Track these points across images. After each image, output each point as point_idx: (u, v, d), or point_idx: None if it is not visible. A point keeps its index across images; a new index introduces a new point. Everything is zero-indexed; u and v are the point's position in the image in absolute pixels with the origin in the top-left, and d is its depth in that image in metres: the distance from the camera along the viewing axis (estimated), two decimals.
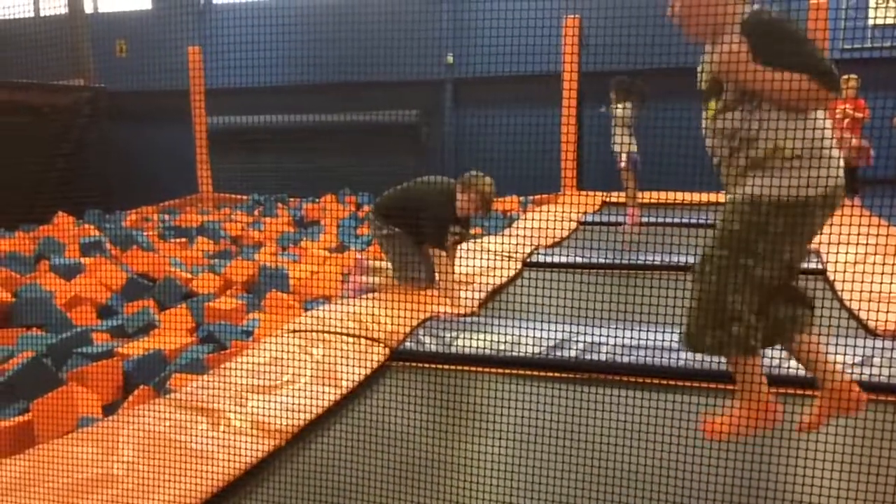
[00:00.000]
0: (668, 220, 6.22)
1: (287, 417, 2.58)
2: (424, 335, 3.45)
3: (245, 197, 11.03)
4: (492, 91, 10.53)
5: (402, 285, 4.40)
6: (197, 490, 2.08)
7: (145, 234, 8.32)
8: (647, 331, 3.08)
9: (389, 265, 4.71)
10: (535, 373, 3.27)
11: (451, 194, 4.52)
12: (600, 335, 3.33)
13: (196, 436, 2.40)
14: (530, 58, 8.29)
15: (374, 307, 3.76)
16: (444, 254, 4.47)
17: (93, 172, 11.74)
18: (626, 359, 3.10)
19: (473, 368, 3.29)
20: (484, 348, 3.34)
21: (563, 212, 6.96)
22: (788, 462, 2.35)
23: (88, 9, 13.00)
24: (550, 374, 3.23)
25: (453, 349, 3.33)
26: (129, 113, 12.32)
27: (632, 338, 3.14)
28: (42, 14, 13.75)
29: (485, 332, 3.53)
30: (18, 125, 11.24)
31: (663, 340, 3.03)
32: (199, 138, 11.05)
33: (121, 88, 12.34)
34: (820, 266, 4.68)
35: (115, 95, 12.53)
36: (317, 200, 10.33)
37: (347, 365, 3.12)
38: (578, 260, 5.08)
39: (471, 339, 3.44)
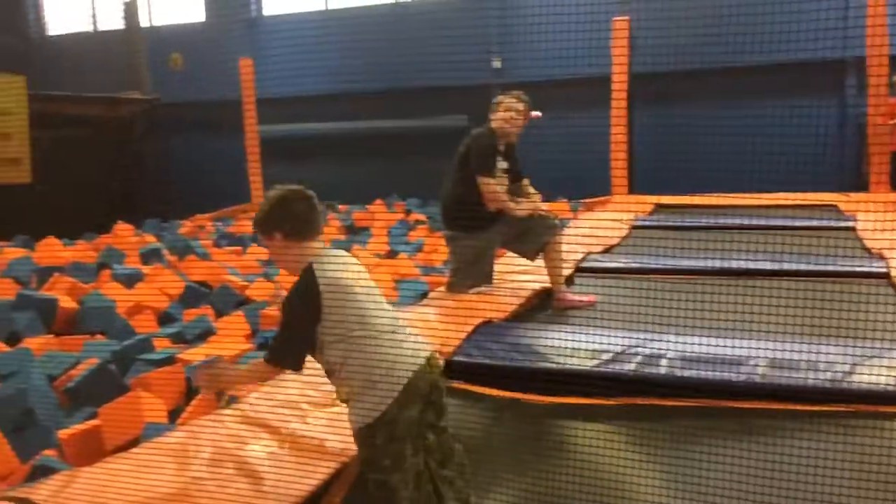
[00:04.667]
0: (720, 222, 6.16)
1: (343, 437, 2.53)
2: (478, 344, 3.43)
3: None
4: (540, 95, 10.49)
5: (457, 291, 4.36)
6: None
7: (201, 242, 8.50)
8: (710, 341, 3.03)
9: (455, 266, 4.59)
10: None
11: (483, 130, 4.31)
12: (660, 346, 3.26)
13: (262, 454, 2.42)
14: (578, 60, 8.28)
15: (428, 313, 3.78)
16: (492, 181, 4.17)
17: (150, 182, 12.06)
18: (687, 373, 3.02)
19: (526, 383, 3.25)
20: (538, 360, 3.30)
21: (614, 216, 6.89)
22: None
23: (144, 23, 13.34)
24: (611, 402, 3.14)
25: (508, 361, 3.30)
26: (183, 123, 12.61)
27: (693, 349, 3.07)
28: (100, 29, 14.20)
29: (538, 341, 3.50)
30: (79, 137, 11.60)
31: (724, 350, 2.98)
32: (251, 147, 11.26)
33: (175, 100, 12.64)
34: (884, 269, 4.54)
35: (170, 107, 12.85)
36: (366, 207, 10.43)
37: None
38: (633, 265, 5.02)
39: (526, 349, 3.41)
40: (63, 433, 3.58)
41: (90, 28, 14.32)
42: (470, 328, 3.47)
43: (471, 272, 4.34)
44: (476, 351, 3.36)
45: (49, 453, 3.48)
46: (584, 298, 4.26)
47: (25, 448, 3.51)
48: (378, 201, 10.63)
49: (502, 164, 4.28)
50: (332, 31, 10.83)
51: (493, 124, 4.29)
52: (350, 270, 2.30)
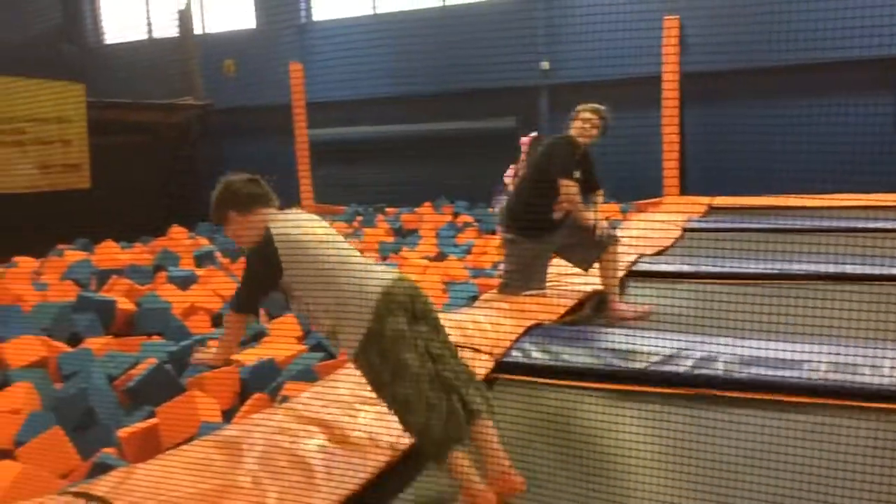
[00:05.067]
0: (778, 224, 6.01)
1: (395, 433, 2.57)
2: (530, 345, 3.42)
3: (344, 207, 11.30)
4: (588, 96, 10.41)
5: (509, 293, 4.35)
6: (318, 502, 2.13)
7: None
8: (764, 344, 2.96)
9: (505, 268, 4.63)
10: (644, 388, 3.18)
11: (564, 136, 4.38)
12: (711, 348, 3.22)
13: (311, 450, 2.45)
14: (628, 60, 8.16)
15: (478, 316, 3.77)
16: (572, 184, 4.20)
17: (203, 186, 12.28)
18: (741, 374, 2.98)
19: (580, 383, 3.24)
20: (591, 361, 3.28)
21: (666, 218, 6.79)
22: None
23: (197, 30, 13.62)
24: (659, 389, 3.15)
25: (559, 361, 3.29)
26: (235, 128, 12.83)
27: (749, 352, 3.02)
28: (155, 37, 14.54)
29: (592, 343, 3.47)
30: (136, 143, 11.90)
31: (777, 353, 2.92)
32: (300, 151, 11.40)
33: (227, 105, 12.88)
34: None
35: (222, 112, 13.09)
36: (414, 210, 10.47)
37: None
38: (685, 269, 4.93)
39: (577, 350, 3.39)
40: (122, 432, 3.65)
41: (145, 36, 14.67)
42: (521, 330, 3.46)
43: (525, 276, 4.37)
44: (526, 351, 3.36)
45: (109, 451, 3.56)
46: (638, 309, 4.22)
47: (86, 446, 3.59)
48: (426, 204, 10.67)
49: (576, 174, 4.29)
50: (381, 35, 10.91)
51: (571, 132, 4.32)
52: (305, 225, 2.53)
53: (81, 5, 14.78)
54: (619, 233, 4.53)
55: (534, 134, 7.89)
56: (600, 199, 4.50)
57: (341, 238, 2.63)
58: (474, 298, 5.26)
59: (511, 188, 7.85)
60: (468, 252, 7.86)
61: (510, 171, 7.91)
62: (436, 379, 2.30)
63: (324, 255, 2.42)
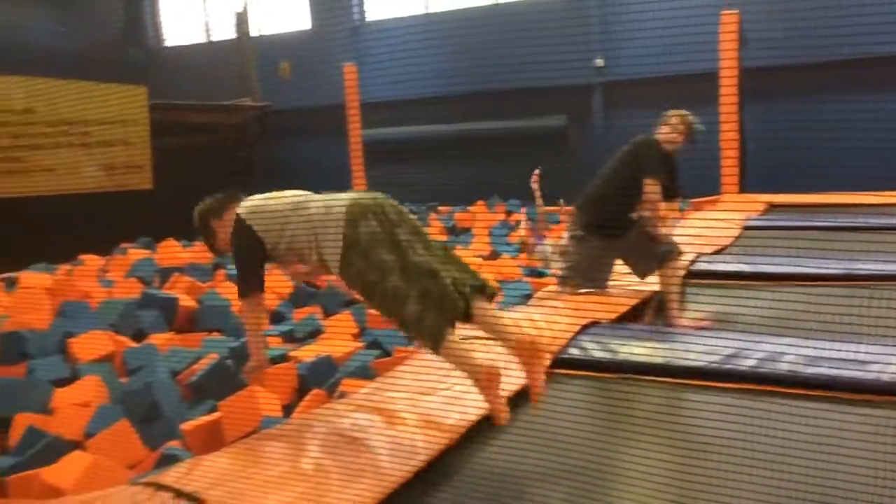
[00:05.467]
0: (840, 222, 5.85)
1: (454, 422, 2.63)
2: (587, 341, 3.41)
3: None
4: (644, 92, 10.28)
5: (567, 288, 4.33)
6: (378, 487, 2.17)
7: None
8: (824, 345, 2.90)
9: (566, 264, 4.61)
10: (704, 383, 3.15)
11: (654, 139, 4.32)
12: (774, 347, 3.17)
13: (372, 435, 2.50)
14: (685, 56, 8.03)
15: (534, 313, 3.77)
16: (658, 188, 4.14)
17: (260, 186, 12.51)
18: (808, 370, 2.92)
19: (638, 377, 3.22)
20: (649, 357, 3.26)
21: (725, 216, 6.66)
22: None
23: (254, 32, 13.87)
24: (717, 384, 3.11)
25: (617, 356, 3.28)
26: (290, 129, 13.04)
27: (811, 350, 2.97)
28: (213, 39, 14.88)
29: (649, 340, 3.45)
30: (196, 144, 12.20)
31: (837, 353, 2.85)
32: (354, 151, 11.52)
33: (283, 106, 13.09)
34: None
35: (278, 113, 13.31)
36: (467, 208, 10.49)
37: (509, 372, 3.14)
38: (745, 269, 4.83)
39: (635, 347, 3.37)
40: (186, 425, 3.76)
41: (204, 38, 15.02)
42: (578, 327, 3.46)
43: (587, 274, 4.34)
44: (584, 348, 3.36)
45: (173, 444, 3.67)
46: (699, 324, 4.15)
47: (152, 438, 3.70)
48: (479, 202, 10.67)
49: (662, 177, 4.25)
50: (434, 35, 10.96)
51: (660, 137, 4.29)
52: (270, 195, 2.80)
53: (143, 10, 15.20)
54: (677, 230, 4.47)
55: (537, 171, 7.93)
56: (676, 207, 4.46)
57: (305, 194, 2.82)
58: (528, 297, 5.25)
59: (537, 192, 7.82)
60: (520, 251, 7.84)
61: (535, 177, 7.87)
62: (424, 268, 2.41)
63: (291, 205, 2.64)
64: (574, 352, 3.32)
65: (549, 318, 3.60)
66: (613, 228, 4.15)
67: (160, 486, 2.13)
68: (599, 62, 11.18)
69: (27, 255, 7.75)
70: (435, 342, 2.38)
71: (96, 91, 9.72)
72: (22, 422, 3.74)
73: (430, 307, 2.35)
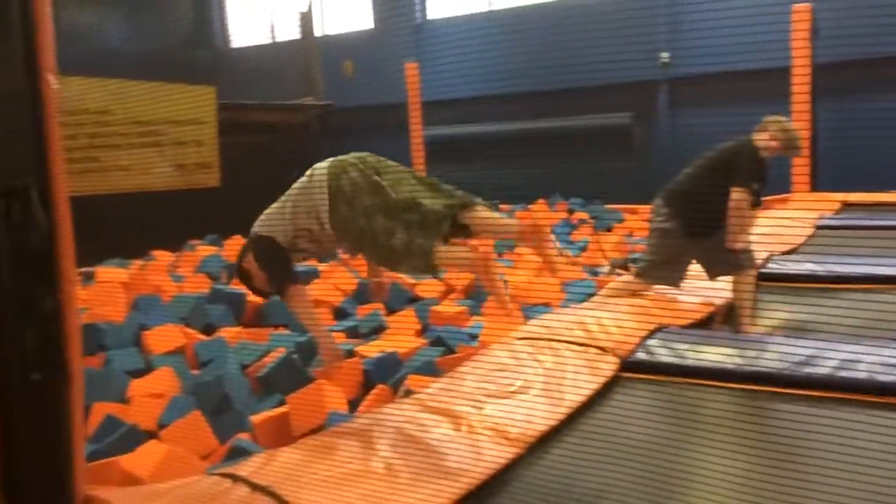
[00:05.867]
0: None
1: (523, 425, 2.63)
2: (656, 345, 3.37)
3: None
4: (712, 89, 10.07)
5: (644, 281, 4.26)
6: (447, 491, 2.18)
7: None
8: None
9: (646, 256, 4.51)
10: (777, 389, 3.07)
11: (751, 144, 4.20)
12: (846, 353, 3.07)
13: (442, 438, 2.51)
14: (755, 51, 7.81)
15: (601, 315, 3.74)
16: (745, 198, 4.02)
17: None
18: (885, 377, 2.82)
19: (708, 383, 3.16)
20: (721, 362, 3.19)
21: (797, 215, 6.48)
22: None
23: (318, 32, 14.07)
24: (789, 390, 3.03)
25: (688, 361, 3.22)
26: (351, 127, 13.18)
27: (888, 356, 2.86)
28: (277, 40, 15.14)
29: (720, 345, 3.38)
30: (261, 143, 12.44)
31: None
32: (416, 149, 11.59)
33: (345, 105, 13.24)
34: None
35: (340, 112, 13.48)
36: (528, 207, 10.44)
37: (578, 375, 3.12)
38: (818, 270, 4.69)
39: (706, 352, 3.30)
40: (255, 418, 3.84)
41: (268, 39, 15.29)
42: (646, 331, 3.41)
43: (666, 269, 4.25)
44: (652, 352, 3.31)
45: (243, 436, 3.76)
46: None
47: (222, 430, 3.79)
48: (540, 201, 10.62)
49: (754, 185, 4.14)
50: (496, 32, 10.94)
51: (758, 143, 4.17)
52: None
53: (211, 13, 15.57)
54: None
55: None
56: (757, 215, 4.34)
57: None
58: (591, 296, 5.20)
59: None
60: (583, 250, 7.77)
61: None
62: (405, 203, 2.58)
63: (284, 196, 2.89)
64: (642, 356, 3.27)
65: (617, 321, 3.56)
66: (702, 227, 4.06)
67: (236, 478, 2.18)
68: (665, 58, 10.97)
69: (103, 251, 8.02)
70: (426, 258, 2.55)
71: (167, 91, 9.98)
72: (100, 410, 3.88)
73: (416, 234, 2.53)
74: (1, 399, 1.64)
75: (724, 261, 4.16)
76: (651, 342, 3.37)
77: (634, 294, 4.30)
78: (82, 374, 1.81)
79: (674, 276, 4.29)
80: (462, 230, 2.56)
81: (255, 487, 2.12)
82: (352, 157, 2.72)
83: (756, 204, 4.22)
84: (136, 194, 9.47)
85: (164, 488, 2.16)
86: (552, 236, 2.54)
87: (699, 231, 4.12)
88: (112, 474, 3.18)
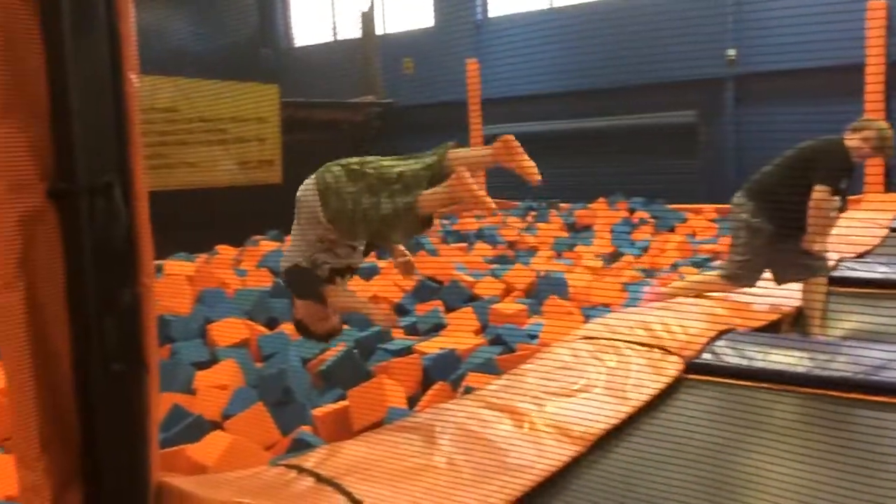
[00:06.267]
0: None
1: (586, 424, 2.61)
2: (722, 347, 3.30)
3: (517, 203, 11.36)
4: (781, 86, 9.79)
5: (736, 283, 4.13)
6: (510, 487, 2.18)
7: (430, 238, 8.89)
8: None
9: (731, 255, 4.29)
10: (849, 395, 2.98)
11: (840, 143, 4.02)
12: None
13: (504, 435, 2.52)
14: (827, 48, 7.58)
15: (665, 316, 3.68)
16: (828, 198, 3.84)
17: None
18: None
19: (777, 387, 3.08)
20: (790, 366, 3.11)
21: (869, 216, 6.26)
22: None
23: (378, 30, 14.19)
24: (864, 397, 2.93)
25: (756, 364, 3.14)
26: (411, 125, 13.25)
27: None
28: (339, 38, 15.33)
29: (789, 349, 3.29)
30: (322, 140, 12.61)
31: None
32: (474, 147, 11.58)
33: (405, 103, 13.32)
34: None
35: (399, 110, 13.57)
36: (588, 205, 10.34)
37: (641, 375, 3.08)
38: (892, 274, 4.52)
39: (774, 355, 3.22)
40: (317, 411, 3.90)
41: (330, 38, 15.49)
42: (713, 333, 3.35)
43: (757, 269, 4.09)
44: (719, 354, 3.25)
45: (305, 429, 3.82)
46: None
47: (285, 422, 3.86)
48: (600, 199, 10.51)
49: (842, 184, 3.97)
50: (557, 29, 10.85)
51: (849, 143, 4.00)
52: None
53: (275, 12, 15.85)
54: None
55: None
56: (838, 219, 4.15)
57: None
58: None
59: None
60: (644, 251, 7.66)
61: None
62: (387, 177, 2.78)
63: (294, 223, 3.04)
64: (708, 357, 3.21)
65: (682, 323, 3.50)
66: (790, 225, 3.88)
67: (301, 470, 2.22)
68: (732, 54, 10.72)
69: (170, 245, 8.25)
70: (412, 211, 2.68)
71: (232, 90, 10.23)
72: (167, 400, 3.99)
73: (400, 197, 2.69)
74: (83, 388, 1.70)
75: (799, 264, 4.01)
76: (717, 344, 3.31)
77: (702, 295, 4.18)
78: (158, 365, 1.87)
79: (756, 277, 4.12)
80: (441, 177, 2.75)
81: (320, 479, 2.15)
82: (335, 164, 2.95)
83: (842, 207, 4.04)
84: (201, 190, 9.72)
85: (231, 477, 2.21)
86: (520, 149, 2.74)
87: (787, 230, 3.92)
88: (179, 462, 3.28)
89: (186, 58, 10.96)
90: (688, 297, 4.18)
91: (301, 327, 3.14)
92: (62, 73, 1.61)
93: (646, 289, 4.42)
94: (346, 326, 4.32)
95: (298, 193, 2.96)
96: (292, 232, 3.05)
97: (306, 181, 2.94)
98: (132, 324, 1.73)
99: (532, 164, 2.75)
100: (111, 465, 1.74)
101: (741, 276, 4.08)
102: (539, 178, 2.78)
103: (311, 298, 2.95)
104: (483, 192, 2.78)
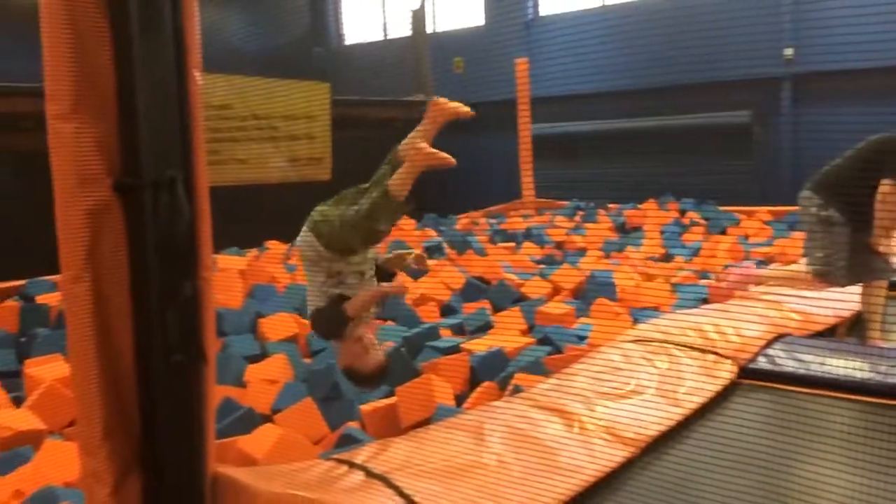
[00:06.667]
0: None
1: (638, 427, 2.58)
2: (778, 353, 3.23)
3: (564, 203, 11.28)
4: (840, 86, 9.53)
5: (830, 282, 4.01)
6: (561, 487, 2.16)
7: (477, 238, 8.89)
8: None
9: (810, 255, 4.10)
10: None
11: None
12: None
13: (554, 436, 2.50)
14: (888, 48, 7.34)
15: (718, 319, 3.61)
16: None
17: (429, 179, 12.83)
18: None
19: (834, 394, 3.00)
20: (850, 373, 3.03)
21: None
22: None
23: (429, 29, 14.23)
24: None
25: (812, 371, 3.07)
26: (459, 123, 13.24)
27: None
28: (389, 37, 15.42)
29: (849, 355, 3.20)
30: (369, 138, 12.70)
31: None
32: (524, 146, 11.54)
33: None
34: None
35: None
36: (637, 206, 10.21)
37: (693, 380, 3.03)
38: None
39: (832, 362, 3.14)
40: (364, 407, 3.93)
41: (380, 36, 15.59)
42: (768, 338, 3.28)
43: (843, 260, 3.89)
44: (774, 359, 3.18)
45: (353, 425, 3.86)
46: None
47: (333, 417, 3.90)
48: (650, 200, 10.37)
49: None
50: (609, 28, 10.75)
51: None
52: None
53: (326, 11, 16.01)
54: None
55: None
56: None
57: None
58: (704, 301, 5.04)
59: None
60: (695, 253, 7.53)
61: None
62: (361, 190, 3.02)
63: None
64: (763, 363, 3.15)
65: (736, 327, 3.44)
66: (858, 219, 3.73)
67: (352, 465, 2.24)
68: (789, 53, 10.48)
69: (222, 240, 8.40)
70: (384, 194, 2.86)
71: (284, 87, 10.33)
72: (218, 392, 4.06)
73: (373, 191, 2.90)
74: (145, 378, 1.75)
75: (863, 263, 3.87)
76: (773, 350, 3.24)
77: (795, 286, 4.00)
78: (216, 358, 1.90)
79: (848, 273, 3.89)
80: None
81: (370, 474, 2.17)
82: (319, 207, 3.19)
83: None
84: (251, 185, 9.87)
85: (284, 469, 2.25)
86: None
87: (856, 223, 3.75)
88: (230, 454, 3.33)
89: (241, 56, 11.14)
90: (777, 286, 4.05)
91: (350, 374, 3.16)
92: (130, 70, 1.65)
93: (735, 269, 4.24)
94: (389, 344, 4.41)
95: (297, 242, 3.09)
96: (307, 283, 3.18)
97: (301, 232, 3.09)
98: (192, 316, 1.77)
99: (464, 106, 3.01)
100: (170, 454, 1.79)
101: (831, 272, 3.90)
102: (471, 112, 3.05)
103: (341, 333, 3.03)
104: (438, 151, 2.92)
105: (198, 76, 1.78)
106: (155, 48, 1.67)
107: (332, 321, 2.98)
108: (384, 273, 3.20)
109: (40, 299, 6.20)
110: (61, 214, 1.70)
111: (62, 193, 1.69)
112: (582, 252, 7.86)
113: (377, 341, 3.19)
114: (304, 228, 3.02)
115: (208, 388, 1.86)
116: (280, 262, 7.53)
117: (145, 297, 1.72)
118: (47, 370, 4.36)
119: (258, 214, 9.04)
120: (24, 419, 3.77)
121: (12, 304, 6.04)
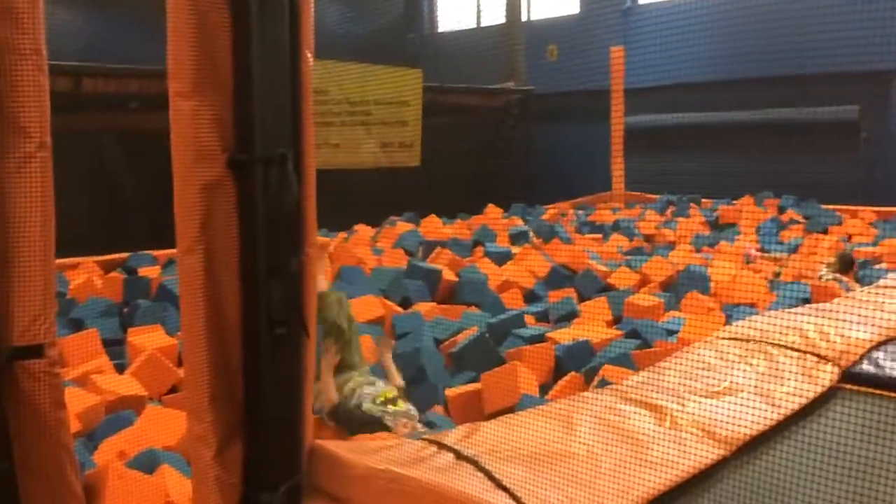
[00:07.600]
0: None
1: (732, 427, 2.51)
2: (883, 358, 3.07)
3: (655, 196, 11.04)
4: None
5: None
6: (653, 481, 2.13)
7: (564, 227, 8.81)
8: None
9: None
10: None
11: None
12: None
13: (645, 430, 2.46)
14: None
15: (821, 321, 3.47)
16: None
17: (518, 168, 12.80)
18: None
19: None
20: None
21: None
22: None
23: (524, 16, 14.13)
24: None
25: None
26: (551, 113, 13.13)
27: None
28: (483, 24, 15.39)
29: None
30: (461, 125, 12.75)
31: None
32: (615, 137, 11.34)
33: (545, 90, 13.21)
34: None
35: (539, 97, 13.48)
36: (733, 202, 9.89)
37: (792, 381, 2.92)
38: None
39: None
40: (450, 392, 3.97)
41: (473, 24, 15.57)
42: (874, 342, 3.14)
43: None
44: (880, 364, 3.04)
45: (436, 410, 3.89)
46: None
47: (418, 400, 3.94)
48: (747, 197, 10.03)
49: None
50: (709, 16, 10.39)
51: None
52: None
53: None
54: None
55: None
56: None
57: None
58: (805, 301, 4.85)
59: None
60: (793, 251, 7.25)
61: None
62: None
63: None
64: (868, 367, 3.01)
65: (840, 329, 3.29)
66: None
67: (442, 446, 2.27)
68: None
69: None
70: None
71: (378, 73, 10.49)
72: None
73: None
74: (250, 349, 1.81)
75: None
76: (879, 354, 3.09)
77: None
78: (316, 332, 1.95)
79: None
80: None
81: (459, 456, 2.19)
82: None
83: None
84: (341, 170, 10.08)
85: (376, 446, 2.29)
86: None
87: None
88: (318, 429, 3.42)
89: (336, 41, 11.34)
90: None
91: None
92: (247, 51, 1.71)
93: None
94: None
95: None
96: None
97: None
98: (296, 291, 1.82)
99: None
100: (271, 422, 1.85)
101: None
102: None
103: (367, 429, 3.38)
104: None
105: (310, 57, 1.82)
106: (271, 29, 1.72)
107: (356, 421, 3.48)
108: None
109: (142, 272, 6.50)
110: (179, 189, 1.78)
111: (180, 168, 1.77)
112: (671, 246, 7.69)
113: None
114: None
115: (308, 362, 1.91)
116: (368, 245, 7.65)
117: (253, 270, 1.78)
118: (149, 339, 4.57)
119: (347, 198, 9.21)
120: (126, 385, 3.97)
121: (117, 275, 6.36)
